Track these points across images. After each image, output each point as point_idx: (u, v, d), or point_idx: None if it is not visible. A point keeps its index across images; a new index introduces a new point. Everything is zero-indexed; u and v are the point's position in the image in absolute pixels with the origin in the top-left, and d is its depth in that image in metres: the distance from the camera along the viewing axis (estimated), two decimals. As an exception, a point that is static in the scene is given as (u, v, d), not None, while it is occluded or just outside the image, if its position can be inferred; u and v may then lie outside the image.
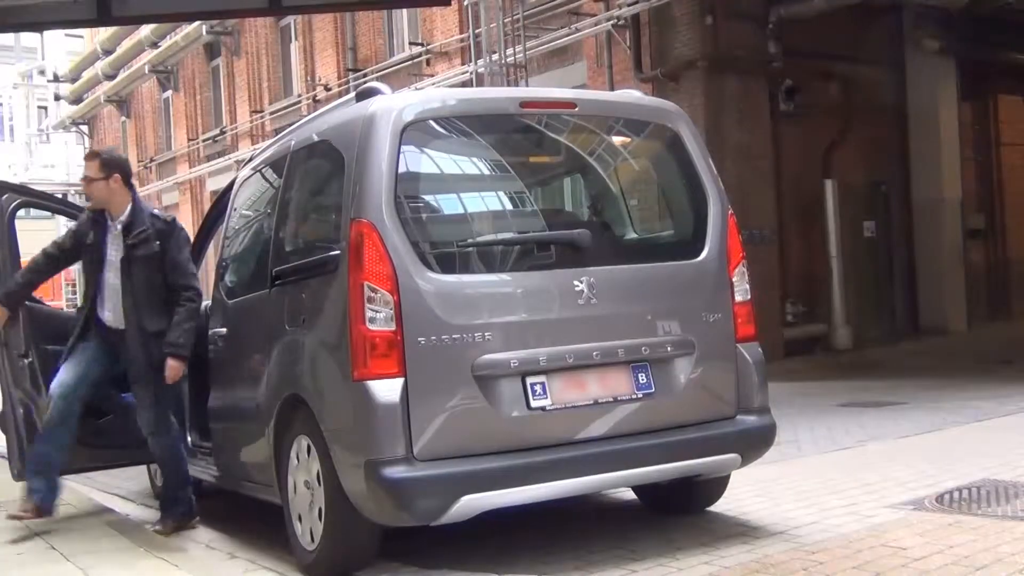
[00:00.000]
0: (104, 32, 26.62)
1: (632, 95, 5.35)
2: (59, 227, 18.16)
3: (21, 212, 5.97)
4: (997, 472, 5.66)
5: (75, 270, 18.06)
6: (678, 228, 5.17)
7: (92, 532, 5.38)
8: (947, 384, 10.15)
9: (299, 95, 20.81)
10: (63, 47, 35.78)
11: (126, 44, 26.68)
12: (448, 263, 4.35)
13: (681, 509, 5.11)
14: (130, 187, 5.52)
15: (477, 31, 14.49)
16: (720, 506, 5.12)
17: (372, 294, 4.11)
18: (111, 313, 5.45)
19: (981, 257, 16.36)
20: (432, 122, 4.56)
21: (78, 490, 6.45)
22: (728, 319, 4.75)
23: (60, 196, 13.85)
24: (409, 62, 17.34)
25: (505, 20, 14.03)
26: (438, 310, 4.17)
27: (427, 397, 4.11)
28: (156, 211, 5.64)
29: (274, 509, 4.84)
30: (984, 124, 16.84)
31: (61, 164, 35.20)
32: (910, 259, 15.23)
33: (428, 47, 16.90)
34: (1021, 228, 17.12)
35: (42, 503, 5.28)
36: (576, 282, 4.40)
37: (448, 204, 4.79)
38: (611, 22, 13.33)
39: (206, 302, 6.15)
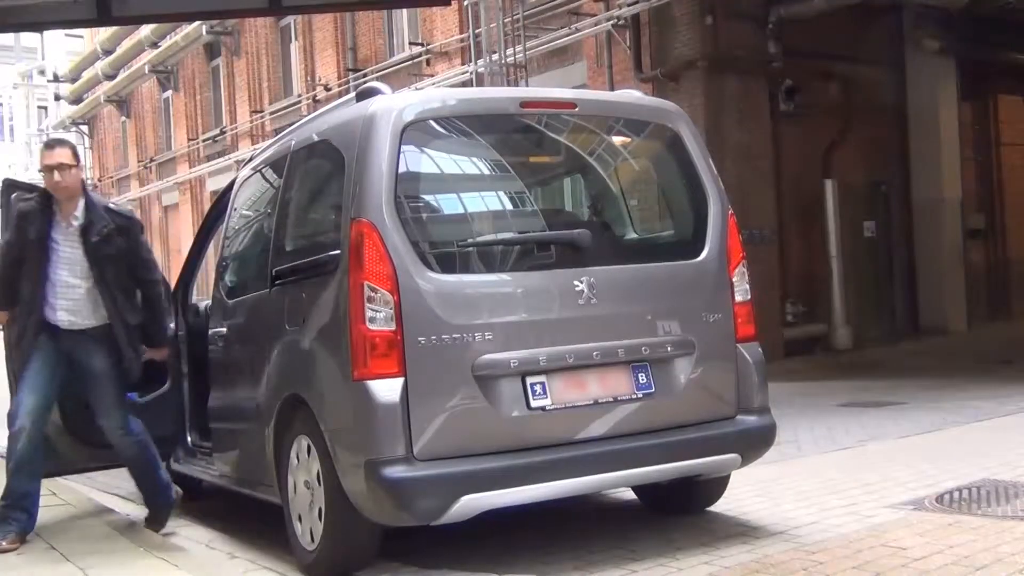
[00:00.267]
0: (104, 32, 26.63)
1: (632, 95, 5.36)
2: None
3: None
4: (997, 472, 5.66)
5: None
6: (678, 228, 5.17)
7: (92, 532, 5.37)
8: (947, 384, 10.15)
9: (299, 95, 20.81)
10: (63, 47, 35.81)
11: (126, 44, 26.70)
12: (448, 263, 4.35)
13: (681, 509, 5.11)
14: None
15: (477, 31, 14.49)
16: (720, 506, 5.12)
17: (372, 294, 4.11)
18: (66, 313, 5.14)
19: (981, 257, 16.36)
20: (432, 122, 4.56)
21: (78, 490, 6.44)
22: (728, 319, 4.76)
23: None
24: (409, 62, 17.34)
25: (505, 20, 14.03)
26: (438, 310, 4.17)
27: (427, 397, 4.11)
28: (111, 204, 5.46)
29: (274, 509, 4.84)
30: (984, 124, 16.84)
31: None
32: (910, 259, 15.23)
33: (428, 47, 16.90)
34: (1021, 228, 17.12)
35: (24, 530, 5.10)
36: (576, 282, 4.40)
37: (448, 204, 4.79)
38: (611, 22, 13.33)
39: (206, 302, 6.16)
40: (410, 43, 17.62)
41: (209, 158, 24.58)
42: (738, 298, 4.80)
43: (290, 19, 20.68)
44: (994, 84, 16.62)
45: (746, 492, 5.39)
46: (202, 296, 6.85)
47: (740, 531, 4.77)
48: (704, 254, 4.78)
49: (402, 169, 4.30)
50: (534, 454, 4.22)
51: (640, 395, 4.46)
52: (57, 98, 34.48)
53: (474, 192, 4.85)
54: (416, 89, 12.56)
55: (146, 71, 26.21)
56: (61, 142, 5.41)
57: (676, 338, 4.60)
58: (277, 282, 4.89)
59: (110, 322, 5.18)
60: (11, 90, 39.47)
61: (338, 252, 4.29)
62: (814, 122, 13.46)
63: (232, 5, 11.07)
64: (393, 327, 4.11)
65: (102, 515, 5.86)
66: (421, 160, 4.55)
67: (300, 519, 4.56)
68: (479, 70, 14.28)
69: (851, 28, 13.72)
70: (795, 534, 4.62)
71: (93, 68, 29.64)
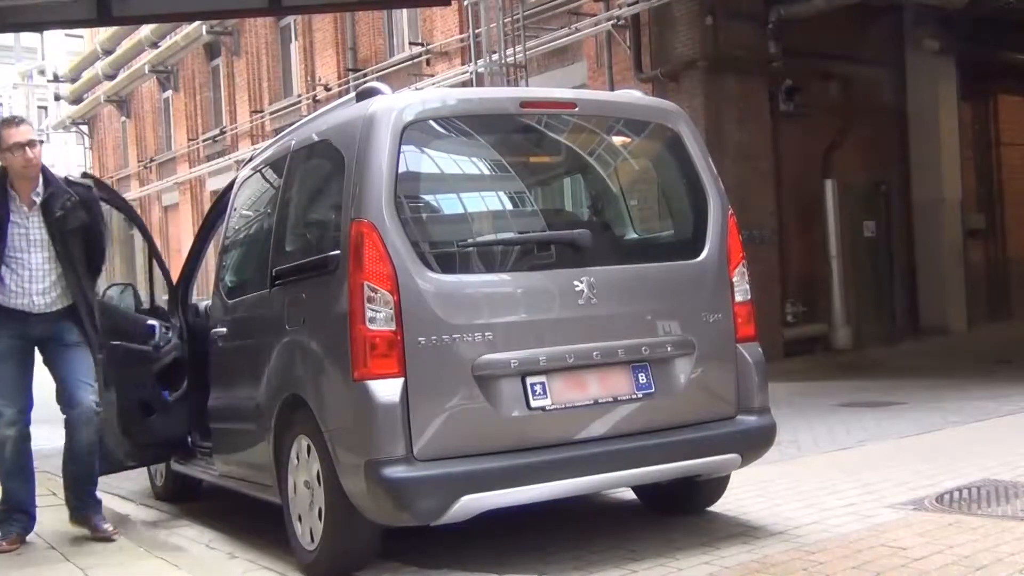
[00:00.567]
0: (104, 32, 26.64)
1: (632, 95, 5.35)
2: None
3: None
4: (997, 472, 5.66)
5: None
6: (678, 228, 5.16)
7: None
8: (947, 384, 10.16)
9: (299, 95, 20.82)
10: (63, 47, 35.85)
11: (126, 44, 26.71)
12: (448, 263, 4.35)
13: (681, 509, 5.11)
14: None
15: (477, 31, 14.49)
16: (720, 506, 5.12)
17: (372, 294, 4.11)
18: (40, 296, 4.98)
19: (981, 257, 16.36)
20: (432, 122, 4.56)
21: (78, 490, 6.44)
22: (728, 319, 4.75)
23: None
24: (409, 62, 17.35)
25: (505, 20, 14.03)
26: (438, 310, 4.17)
27: (427, 397, 4.11)
28: (69, 176, 5.31)
29: (274, 509, 4.84)
30: (984, 124, 16.85)
31: (61, 164, 35.20)
32: (910, 259, 15.23)
33: (428, 47, 16.90)
34: (1021, 228, 17.12)
35: (25, 530, 5.11)
36: (576, 282, 4.40)
37: (448, 204, 4.79)
38: (611, 22, 13.34)
39: (206, 302, 6.16)
40: (410, 43, 17.62)
41: (209, 158, 24.59)
42: (738, 298, 4.80)
43: (290, 19, 20.69)
44: (994, 84, 16.63)
45: (746, 492, 5.38)
46: (202, 296, 6.86)
47: (740, 531, 4.77)
48: (704, 254, 4.77)
49: (402, 169, 4.30)
50: (534, 454, 4.22)
51: (640, 395, 4.46)
52: (57, 98, 34.51)
53: (474, 192, 4.85)
54: (416, 89, 12.57)
55: (146, 71, 26.22)
56: (23, 119, 5.27)
57: (676, 338, 4.60)
58: (277, 282, 4.89)
59: (74, 301, 5.04)
60: (11, 90, 39.49)
61: (338, 252, 4.28)
62: (814, 122, 13.46)
63: (232, 5, 11.08)
64: (393, 327, 4.10)
65: (102, 515, 5.86)
66: (421, 160, 4.55)
67: (300, 519, 4.55)
68: (479, 70, 14.28)
69: (851, 28, 13.72)
70: (795, 534, 4.62)
71: (93, 68, 29.65)
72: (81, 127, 33.52)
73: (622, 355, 4.46)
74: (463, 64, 15.73)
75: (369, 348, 4.08)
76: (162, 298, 6.41)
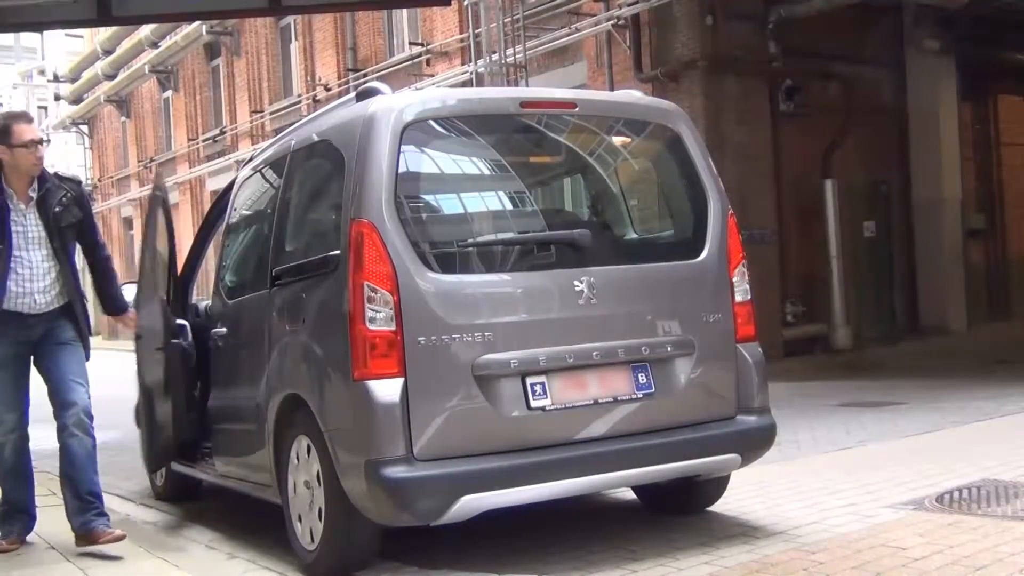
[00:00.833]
0: (104, 32, 26.67)
1: (632, 95, 5.35)
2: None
3: None
4: (997, 472, 5.66)
5: None
6: (678, 228, 5.16)
7: (92, 532, 5.36)
8: (947, 384, 10.16)
9: (299, 95, 20.83)
10: (63, 47, 35.87)
11: (126, 44, 26.74)
12: (448, 263, 4.35)
13: (681, 509, 5.11)
14: None
15: (477, 31, 14.50)
16: (720, 506, 5.12)
17: (372, 294, 4.11)
18: (41, 295, 4.92)
19: (981, 257, 16.37)
20: (432, 122, 4.56)
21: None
22: (728, 319, 4.75)
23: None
24: (409, 62, 17.35)
25: (505, 20, 14.04)
26: (438, 310, 4.17)
27: (427, 397, 4.11)
28: (58, 171, 5.18)
29: (274, 509, 4.84)
30: (984, 124, 16.85)
31: (61, 164, 35.23)
32: (910, 259, 15.23)
33: (428, 47, 16.91)
34: (1021, 228, 17.13)
35: (25, 530, 5.10)
36: (576, 282, 4.40)
37: (448, 204, 4.79)
38: (611, 22, 13.34)
39: (206, 302, 6.16)
40: (410, 43, 17.63)
41: (209, 158, 24.61)
42: (738, 298, 4.80)
43: (290, 19, 20.70)
44: (994, 84, 16.63)
45: (746, 492, 5.38)
46: (202, 296, 6.86)
47: (740, 531, 4.77)
48: (704, 254, 4.77)
49: (402, 169, 4.30)
50: (534, 454, 4.22)
51: (640, 395, 4.46)
52: (57, 98, 34.53)
53: (474, 192, 4.85)
54: (416, 89, 12.57)
55: (146, 71, 26.26)
56: (27, 116, 5.22)
57: (676, 338, 4.60)
58: (277, 282, 4.88)
59: (69, 299, 5.01)
60: (11, 90, 39.49)
61: (338, 252, 4.28)
62: (814, 122, 13.46)
63: (232, 5, 11.09)
64: (393, 327, 4.10)
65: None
66: (421, 160, 4.55)
67: (300, 519, 4.55)
68: (479, 70, 14.29)
69: (851, 28, 13.73)
70: (795, 534, 4.62)
71: (93, 68, 29.68)
72: (81, 127, 33.55)
73: (622, 355, 4.46)
74: (463, 64, 15.73)
75: (369, 348, 4.08)
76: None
